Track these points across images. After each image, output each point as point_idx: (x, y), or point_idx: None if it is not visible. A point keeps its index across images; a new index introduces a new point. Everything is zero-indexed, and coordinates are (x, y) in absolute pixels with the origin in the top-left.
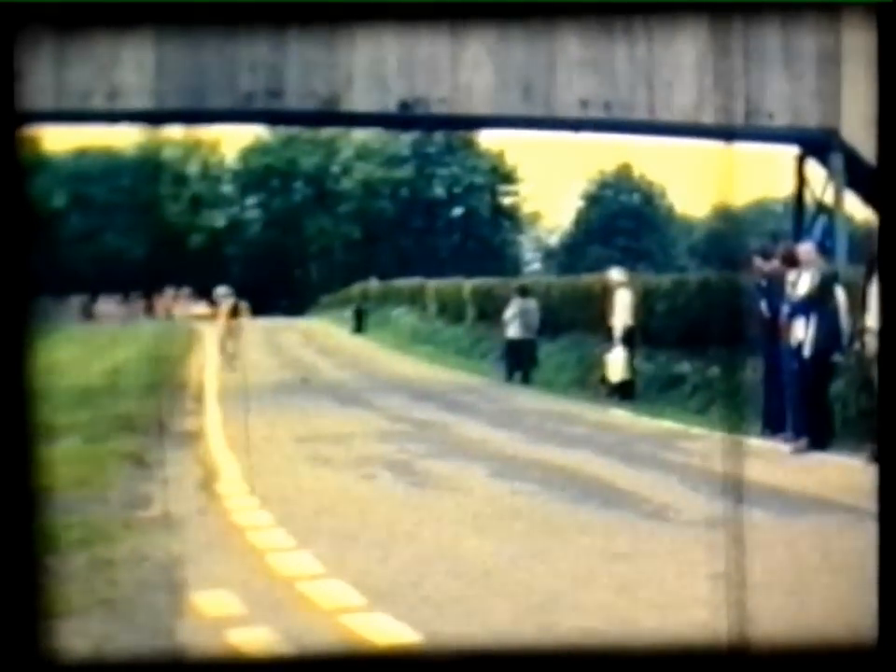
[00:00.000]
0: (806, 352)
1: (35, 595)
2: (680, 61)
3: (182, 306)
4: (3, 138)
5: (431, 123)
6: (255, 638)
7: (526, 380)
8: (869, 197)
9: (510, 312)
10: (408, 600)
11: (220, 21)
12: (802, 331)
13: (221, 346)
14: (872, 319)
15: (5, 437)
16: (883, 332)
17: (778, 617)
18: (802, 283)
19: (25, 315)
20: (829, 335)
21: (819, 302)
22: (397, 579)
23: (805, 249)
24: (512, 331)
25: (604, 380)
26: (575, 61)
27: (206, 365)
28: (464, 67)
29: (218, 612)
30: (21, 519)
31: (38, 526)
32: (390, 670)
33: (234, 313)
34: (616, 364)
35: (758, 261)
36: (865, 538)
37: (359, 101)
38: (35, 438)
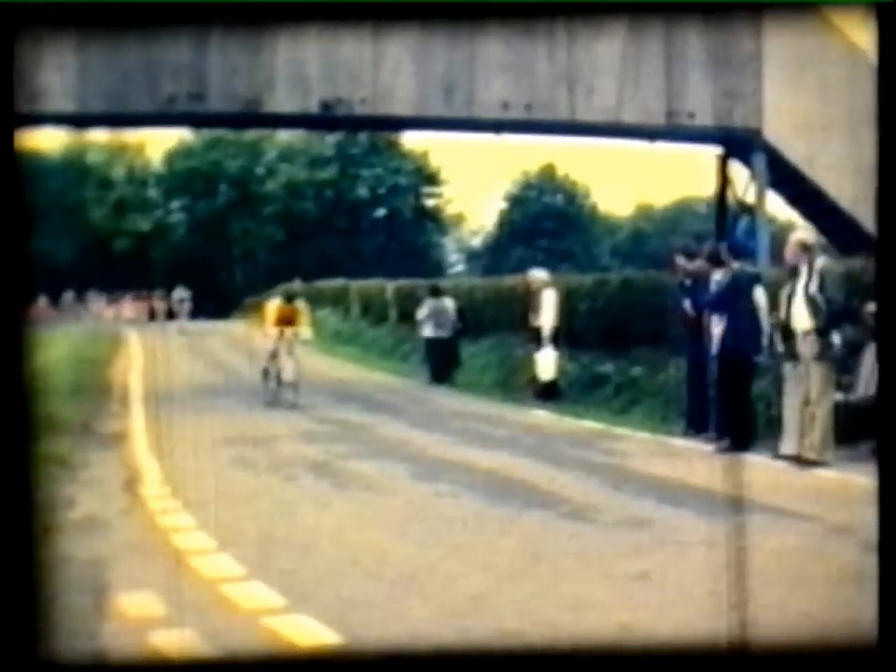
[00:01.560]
0: (715, 350)
1: (34, 595)
2: (601, 62)
3: (132, 308)
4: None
5: (353, 124)
6: (177, 640)
7: (447, 380)
8: (792, 198)
9: (422, 312)
10: (329, 602)
11: (141, 23)
12: (719, 330)
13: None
14: (798, 321)
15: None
16: (883, 332)
17: (701, 616)
18: (721, 282)
19: (21, 314)
20: (748, 335)
21: (736, 302)
22: (318, 580)
23: (721, 251)
24: (427, 331)
25: (534, 380)
26: (496, 62)
27: (132, 368)
28: (385, 69)
29: (141, 614)
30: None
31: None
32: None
33: (287, 319)
34: (546, 364)
35: (681, 260)
36: (784, 538)
37: (281, 102)
38: (33, 438)
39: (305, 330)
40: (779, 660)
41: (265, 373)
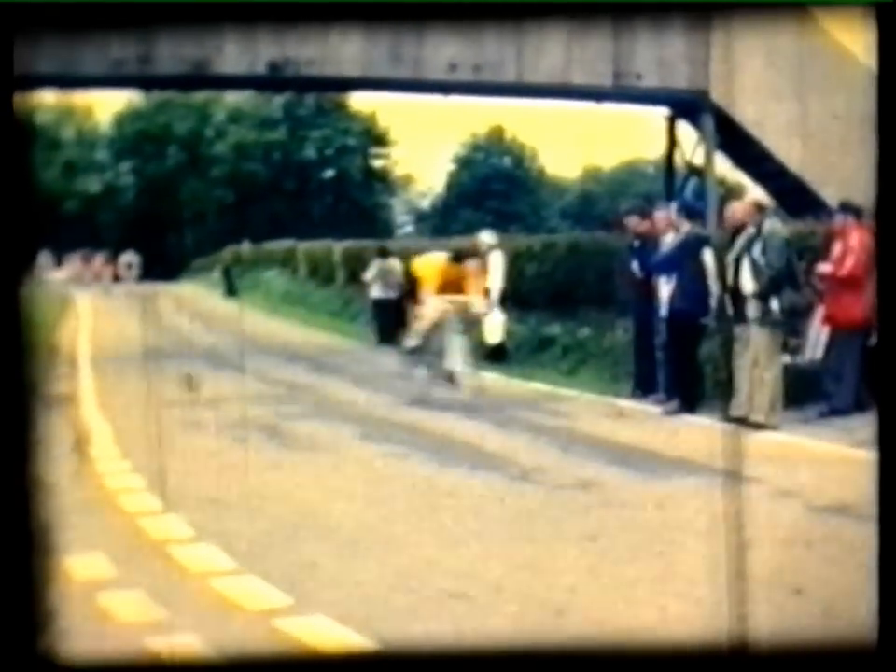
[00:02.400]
0: (663, 312)
1: (32, 594)
2: (547, 23)
3: (104, 269)
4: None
5: (301, 85)
6: (125, 601)
7: (394, 341)
8: (739, 160)
9: (370, 273)
10: (278, 563)
11: None
12: (667, 292)
13: None
14: (744, 284)
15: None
16: (883, 331)
17: (647, 579)
18: (667, 244)
19: (20, 284)
20: (696, 297)
21: (685, 264)
22: (267, 542)
23: (665, 214)
24: (375, 292)
25: (481, 342)
26: (443, 23)
27: (80, 329)
28: (333, 29)
29: (89, 576)
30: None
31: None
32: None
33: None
34: (494, 327)
35: (631, 222)
36: (729, 501)
37: (229, 64)
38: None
39: (480, 301)
40: (779, 659)
41: (412, 353)
